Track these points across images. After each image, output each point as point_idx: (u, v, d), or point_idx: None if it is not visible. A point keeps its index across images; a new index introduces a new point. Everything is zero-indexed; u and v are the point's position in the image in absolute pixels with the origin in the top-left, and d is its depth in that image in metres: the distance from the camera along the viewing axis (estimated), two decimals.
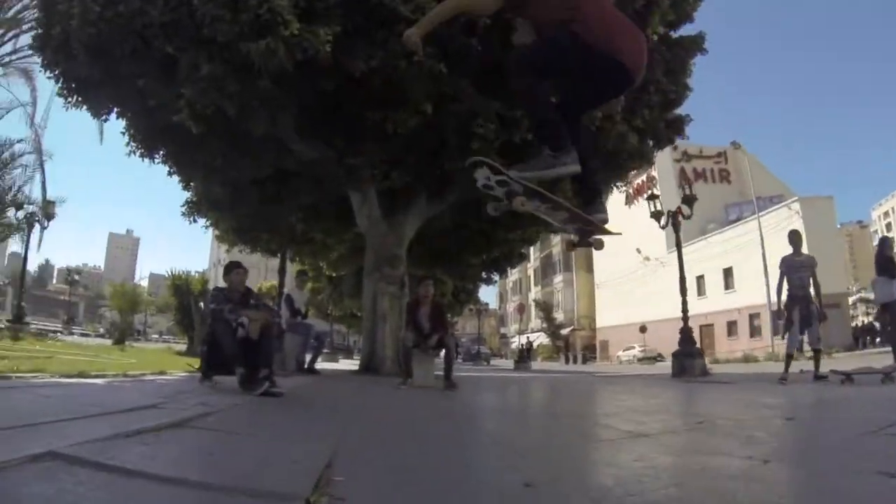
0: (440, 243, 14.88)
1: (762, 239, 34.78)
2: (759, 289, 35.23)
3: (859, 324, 41.67)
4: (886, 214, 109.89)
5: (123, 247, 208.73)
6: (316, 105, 8.90)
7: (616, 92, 3.29)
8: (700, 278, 39.35)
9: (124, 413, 3.21)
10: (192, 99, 7.75)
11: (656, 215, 14.11)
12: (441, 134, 9.17)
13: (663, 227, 14.17)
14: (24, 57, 16.95)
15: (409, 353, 7.50)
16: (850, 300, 47.63)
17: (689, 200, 13.74)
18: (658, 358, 42.13)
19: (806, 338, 8.14)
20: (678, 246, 13.77)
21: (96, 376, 5.72)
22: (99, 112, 9.85)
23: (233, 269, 5.71)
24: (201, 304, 16.66)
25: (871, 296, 47.89)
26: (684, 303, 13.28)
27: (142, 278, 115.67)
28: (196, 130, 8.34)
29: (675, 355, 12.69)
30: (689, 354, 12.39)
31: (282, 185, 11.45)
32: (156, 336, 50.11)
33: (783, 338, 8.70)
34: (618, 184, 13.78)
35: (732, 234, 40.22)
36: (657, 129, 11.19)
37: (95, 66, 8.29)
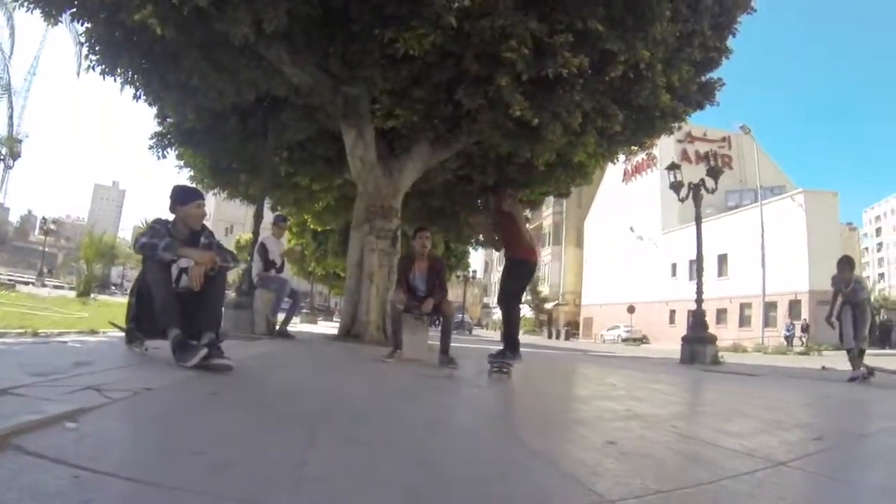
0: (438, 199, 13.36)
1: (763, 229, 34.10)
2: (754, 279, 34.80)
3: None
4: (878, 218, 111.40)
5: (109, 199, 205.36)
6: (312, 15, 7.41)
7: None
8: (693, 262, 38.56)
9: None
10: None
11: (676, 186, 12.80)
12: (459, 62, 7.68)
13: (682, 200, 12.88)
14: None
15: (400, 319, 6.16)
16: None
17: (714, 173, 12.48)
18: (643, 340, 41.95)
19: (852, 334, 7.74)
20: (697, 221, 12.54)
21: None
22: (51, 12, 8.18)
23: (194, 198, 4.05)
24: None
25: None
26: (699, 283, 12.21)
27: (123, 230, 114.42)
28: (163, 32, 6.86)
29: (685, 340, 11.76)
30: (701, 340, 11.45)
31: (267, 116, 9.93)
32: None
33: (841, 341, 8.07)
34: (619, 157, 12.47)
35: (731, 221, 39.56)
36: (689, 91, 9.87)
37: None
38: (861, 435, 3.18)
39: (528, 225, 6.00)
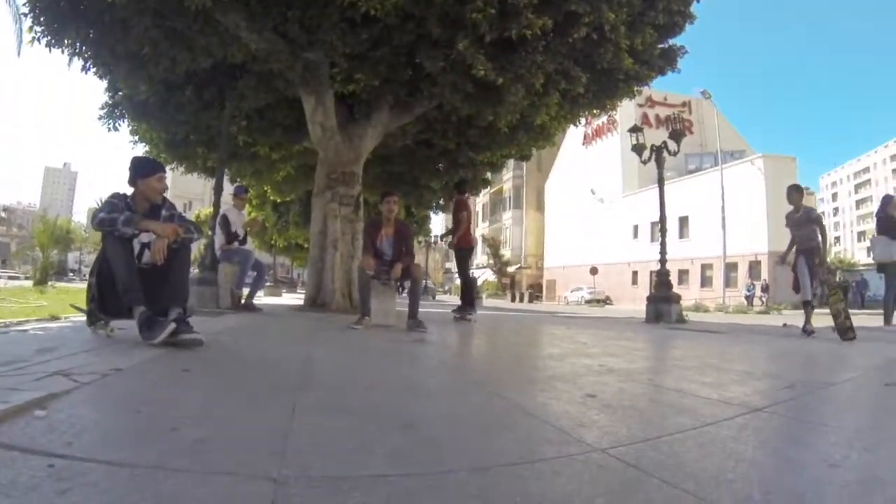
0: (399, 164, 13.28)
1: (723, 192, 34.80)
2: (714, 241, 35.66)
3: None
4: (834, 184, 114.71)
5: (60, 182, 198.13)
6: None
7: None
8: (654, 224, 39.24)
9: None
10: None
11: (638, 149, 12.85)
12: (421, 24, 7.50)
13: (645, 162, 12.93)
14: None
15: (368, 285, 6.13)
16: None
17: (677, 136, 12.54)
18: (606, 301, 42.72)
19: (809, 285, 7.68)
20: (660, 183, 12.60)
21: None
22: None
23: (155, 170, 3.89)
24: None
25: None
26: (663, 244, 12.24)
27: (77, 213, 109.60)
28: None
29: (650, 299, 11.88)
30: (666, 300, 11.59)
31: (223, 85, 9.61)
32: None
33: (796, 292, 8.06)
34: (581, 120, 12.54)
35: (691, 184, 40.21)
36: (651, 55, 9.87)
37: None
38: (829, 384, 3.26)
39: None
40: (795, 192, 8.04)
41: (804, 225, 7.85)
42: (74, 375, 2.38)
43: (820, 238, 7.79)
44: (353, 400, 2.38)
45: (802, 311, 7.95)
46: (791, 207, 8.04)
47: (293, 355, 3.86)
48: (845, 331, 6.66)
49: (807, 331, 7.44)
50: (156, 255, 3.53)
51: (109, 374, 2.51)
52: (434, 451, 1.61)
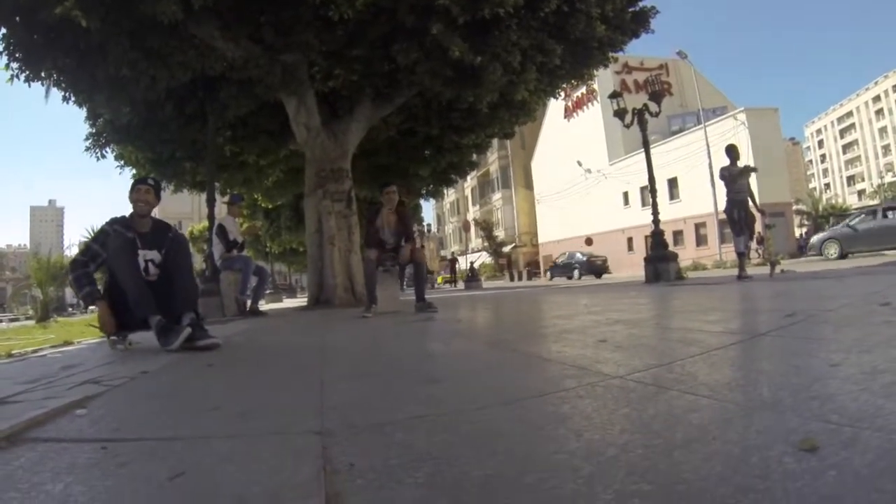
0: (385, 156, 13.34)
1: (709, 149, 34.79)
2: (705, 198, 35.60)
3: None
4: (819, 132, 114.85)
5: (47, 219, 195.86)
6: None
7: None
8: (644, 189, 39.27)
9: None
10: None
11: (620, 114, 12.91)
12: (393, 17, 7.56)
13: (628, 126, 13.00)
14: None
15: (374, 275, 6.20)
16: None
17: (657, 97, 12.58)
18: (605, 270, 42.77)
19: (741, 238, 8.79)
20: (646, 145, 12.68)
21: None
22: None
23: (134, 186, 3.95)
24: None
25: (804, 207, 51.19)
26: (654, 204, 12.34)
27: (70, 245, 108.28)
28: (87, 24, 6.54)
29: (648, 260, 11.98)
30: (663, 258, 11.69)
31: (204, 97, 9.62)
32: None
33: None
34: (560, 92, 12.67)
35: (676, 144, 40.14)
36: (623, 20, 9.94)
37: None
38: (826, 310, 3.35)
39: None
40: (734, 150, 9.08)
41: (738, 177, 8.68)
42: (104, 381, 2.47)
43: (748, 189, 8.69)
44: (377, 367, 2.50)
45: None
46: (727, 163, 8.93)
47: (309, 344, 3.96)
48: (773, 267, 9.22)
49: (741, 277, 8.27)
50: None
51: (137, 377, 2.61)
52: (464, 395, 1.72)
